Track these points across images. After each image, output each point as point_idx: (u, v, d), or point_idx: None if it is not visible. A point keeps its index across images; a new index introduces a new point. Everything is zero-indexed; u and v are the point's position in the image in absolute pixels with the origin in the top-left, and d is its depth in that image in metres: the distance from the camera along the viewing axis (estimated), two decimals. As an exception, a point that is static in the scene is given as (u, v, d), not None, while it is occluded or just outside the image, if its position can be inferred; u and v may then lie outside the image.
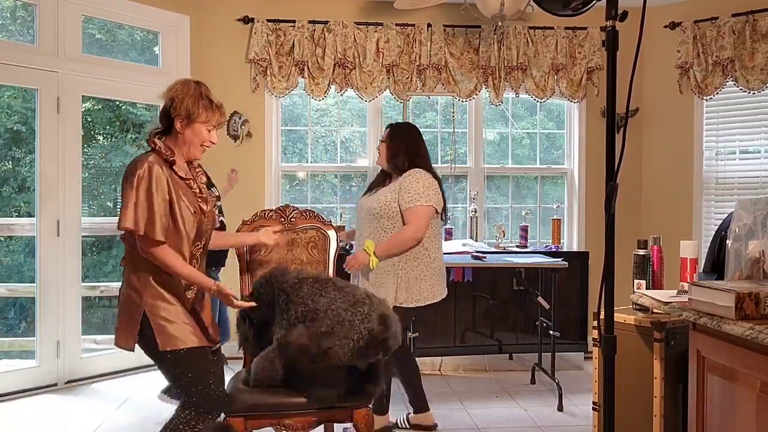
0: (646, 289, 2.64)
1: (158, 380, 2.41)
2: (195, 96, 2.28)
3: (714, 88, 4.77)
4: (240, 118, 4.86)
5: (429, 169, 3.25)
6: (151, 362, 2.37)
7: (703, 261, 2.81)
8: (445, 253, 3.52)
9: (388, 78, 4.89)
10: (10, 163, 5.62)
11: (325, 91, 4.83)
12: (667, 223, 4.88)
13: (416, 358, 3.55)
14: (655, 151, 5.14)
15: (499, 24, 4.36)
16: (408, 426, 3.47)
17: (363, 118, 5.30)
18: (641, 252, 2.69)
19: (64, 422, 3.61)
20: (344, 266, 3.12)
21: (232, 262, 3.08)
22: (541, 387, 4.30)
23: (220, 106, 2.35)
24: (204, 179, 2.48)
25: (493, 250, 4.60)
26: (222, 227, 3.03)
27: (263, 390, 2.35)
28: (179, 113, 2.27)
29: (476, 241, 4.80)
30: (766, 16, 4.55)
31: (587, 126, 5.18)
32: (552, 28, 4.96)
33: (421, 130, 3.41)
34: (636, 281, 2.69)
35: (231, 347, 4.12)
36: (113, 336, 2.36)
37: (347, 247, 4.42)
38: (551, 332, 4.02)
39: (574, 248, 5.14)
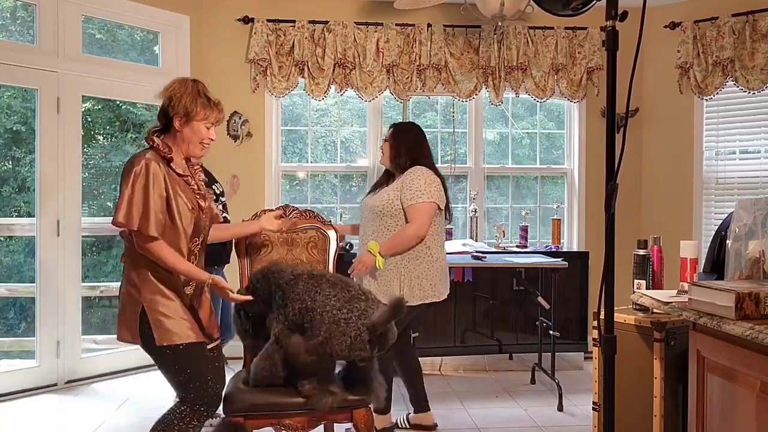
0: (646, 289, 2.65)
1: (158, 380, 2.41)
2: (193, 94, 2.29)
3: (714, 88, 4.77)
4: (240, 118, 4.86)
5: (432, 167, 3.25)
6: (151, 362, 2.37)
7: (703, 261, 2.81)
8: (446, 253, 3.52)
9: (388, 78, 4.89)
10: (10, 163, 5.62)
11: (325, 91, 4.84)
12: (667, 223, 4.88)
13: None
14: (655, 151, 5.14)
15: (499, 24, 4.36)
16: (408, 426, 3.48)
17: (363, 118, 5.30)
18: (641, 252, 2.69)
19: (64, 422, 3.61)
20: (349, 271, 3.11)
21: (234, 259, 3.08)
22: (541, 387, 4.30)
23: (218, 103, 2.37)
24: (202, 176, 2.48)
25: (493, 250, 4.60)
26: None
27: (263, 390, 2.35)
28: (177, 111, 2.28)
29: (476, 241, 4.80)
30: (766, 16, 4.55)
31: (587, 126, 5.18)
32: (552, 28, 4.96)
33: (422, 129, 3.41)
34: (636, 281, 2.69)
35: (231, 347, 4.12)
36: (113, 336, 2.36)
37: (347, 246, 4.42)
38: (551, 332, 4.02)
39: (574, 248, 5.14)
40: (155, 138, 2.30)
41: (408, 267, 3.15)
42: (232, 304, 2.53)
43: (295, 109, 5.41)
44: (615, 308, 1.95)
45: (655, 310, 2.52)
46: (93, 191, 5.60)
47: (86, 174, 5.19)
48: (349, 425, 2.58)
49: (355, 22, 4.84)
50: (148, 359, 2.36)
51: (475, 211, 4.92)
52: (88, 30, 4.65)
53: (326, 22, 4.80)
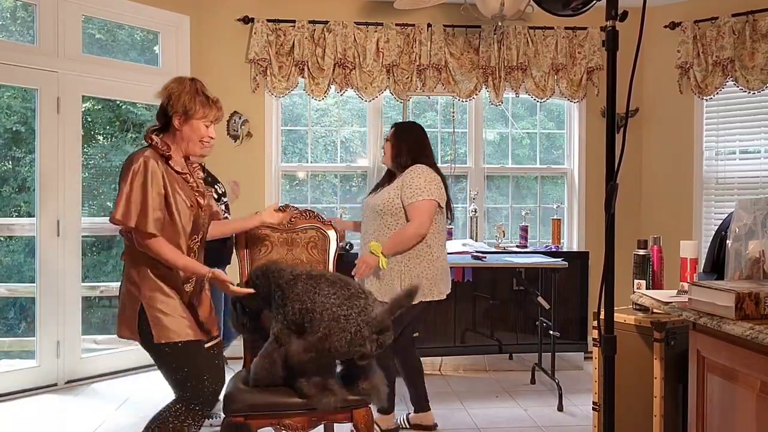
0: (646, 289, 2.64)
1: (158, 380, 2.42)
2: (191, 92, 2.30)
3: (714, 88, 4.77)
4: (240, 118, 4.86)
5: (433, 166, 3.26)
6: (152, 362, 2.38)
7: (703, 261, 2.81)
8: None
9: (388, 78, 4.89)
10: (10, 163, 5.62)
11: (325, 91, 4.84)
12: (667, 223, 4.88)
13: (416, 358, 3.55)
14: (655, 151, 5.14)
15: (499, 24, 4.36)
16: (408, 425, 3.48)
17: (363, 118, 5.30)
18: (641, 252, 2.69)
19: (64, 422, 3.61)
20: (353, 273, 3.11)
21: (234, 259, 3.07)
22: (541, 387, 4.30)
23: (217, 101, 2.38)
24: (201, 174, 2.49)
25: (493, 250, 4.60)
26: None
27: (263, 390, 2.35)
28: (177, 110, 2.29)
29: (476, 241, 4.80)
30: (766, 16, 4.55)
31: (587, 126, 5.18)
32: (552, 28, 4.96)
33: (423, 129, 3.42)
34: (636, 281, 2.69)
35: (231, 347, 4.12)
36: (113, 336, 2.37)
37: (347, 246, 4.42)
38: (551, 332, 4.02)
39: (574, 248, 5.14)
40: (153, 136, 2.31)
41: (408, 266, 3.15)
42: (229, 300, 2.53)
43: (295, 109, 5.40)
44: (615, 308, 1.95)
45: (655, 310, 2.52)
46: (93, 191, 5.59)
47: (86, 174, 5.19)
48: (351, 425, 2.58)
49: (355, 22, 4.84)
50: (148, 359, 2.36)
51: (475, 211, 4.92)
52: (88, 30, 4.65)
53: (326, 22, 4.80)
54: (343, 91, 4.89)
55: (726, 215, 2.73)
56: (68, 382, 4.21)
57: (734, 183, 4.87)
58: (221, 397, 2.41)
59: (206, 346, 2.42)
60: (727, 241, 2.24)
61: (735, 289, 1.79)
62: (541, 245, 5.10)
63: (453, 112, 5.12)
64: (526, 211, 5.10)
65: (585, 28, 4.98)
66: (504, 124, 5.50)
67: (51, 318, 4.14)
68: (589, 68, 5.02)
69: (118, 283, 2.44)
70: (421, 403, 3.45)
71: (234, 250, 2.88)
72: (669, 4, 4.92)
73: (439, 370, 4.69)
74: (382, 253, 3.07)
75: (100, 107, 5.77)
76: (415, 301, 3.13)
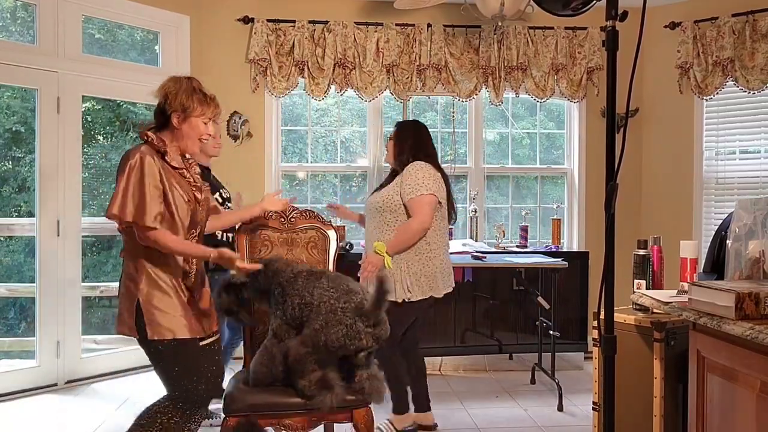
0: (646, 289, 2.64)
1: (158, 380, 2.42)
2: (188, 91, 2.32)
3: (714, 88, 4.77)
4: (240, 118, 4.86)
5: (435, 164, 3.26)
6: (151, 362, 2.38)
7: (703, 261, 2.81)
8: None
9: (388, 78, 4.89)
10: (10, 163, 5.62)
11: (325, 91, 4.84)
12: (667, 223, 4.88)
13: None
14: (655, 151, 5.14)
15: (499, 24, 4.36)
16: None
17: (363, 118, 5.30)
18: (641, 252, 2.69)
19: (64, 422, 3.61)
20: (359, 274, 3.11)
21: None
22: (541, 387, 4.30)
23: (214, 98, 2.39)
24: (198, 170, 2.49)
25: (493, 250, 4.60)
26: (230, 228, 3.08)
27: (263, 390, 2.35)
28: (175, 109, 2.30)
29: (476, 241, 4.80)
30: (766, 16, 4.55)
31: (587, 126, 5.18)
32: (552, 28, 4.96)
33: (424, 129, 3.42)
34: (636, 281, 2.69)
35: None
36: (113, 336, 2.38)
37: (347, 246, 4.42)
38: (551, 332, 4.02)
39: (574, 248, 5.14)
40: (149, 133, 2.32)
41: (408, 263, 3.16)
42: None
43: (295, 109, 5.41)
44: (615, 308, 1.95)
45: (655, 310, 2.52)
46: (93, 191, 5.60)
47: (86, 174, 5.19)
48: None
49: (355, 22, 4.84)
50: (148, 359, 2.36)
51: (475, 211, 4.92)
52: (88, 30, 4.65)
53: (326, 22, 4.80)
54: (343, 91, 4.89)
55: (726, 215, 2.73)
56: (68, 382, 4.21)
57: (734, 183, 4.87)
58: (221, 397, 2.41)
59: (206, 342, 2.43)
60: (727, 241, 2.24)
61: (735, 289, 1.79)
62: (541, 245, 5.10)
63: (453, 112, 5.12)
64: (526, 211, 5.10)
65: (585, 28, 4.98)
66: (504, 124, 5.50)
67: (51, 318, 4.14)
68: (589, 68, 5.02)
69: (118, 283, 2.44)
70: (421, 402, 3.44)
71: (235, 249, 2.88)
72: (669, 4, 4.92)
73: (439, 370, 4.69)
74: (386, 252, 3.08)
75: (100, 107, 5.77)
76: (415, 299, 3.15)
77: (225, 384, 2.52)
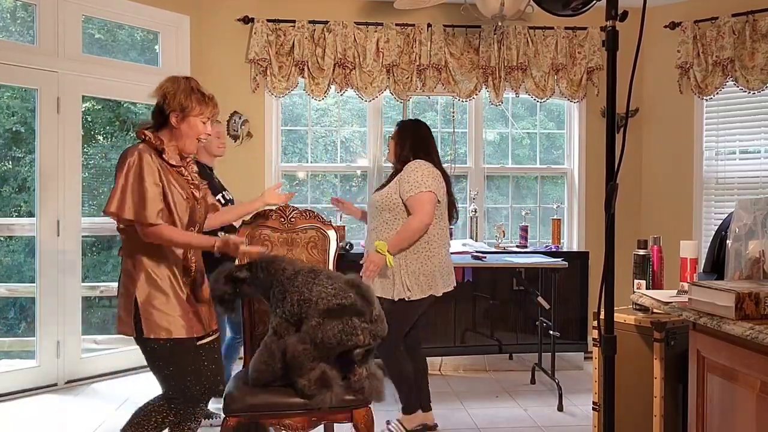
0: (646, 289, 2.65)
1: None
2: (186, 90, 2.33)
3: (714, 88, 4.77)
4: (240, 118, 4.86)
5: (435, 163, 3.26)
6: (152, 362, 2.38)
7: (703, 261, 2.81)
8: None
9: (388, 78, 4.89)
10: (10, 163, 5.62)
11: (325, 91, 4.84)
12: (667, 223, 4.88)
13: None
14: (655, 151, 5.14)
15: (499, 24, 4.36)
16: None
17: (363, 118, 5.30)
18: (641, 252, 2.69)
19: (64, 422, 3.61)
20: (361, 273, 3.11)
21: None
22: (541, 387, 4.30)
23: (212, 97, 2.40)
24: (195, 168, 2.50)
25: (493, 250, 4.60)
26: (231, 229, 3.08)
27: (263, 390, 2.35)
28: (173, 108, 2.31)
29: (476, 241, 4.80)
30: (766, 16, 4.55)
31: (587, 126, 5.18)
32: (552, 28, 4.96)
33: (424, 129, 3.42)
34: (636, 281, 2.69)
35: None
36: (113, 336, 2.39)
37: (347, 246, 4.42)
38: (551, 332, 4.02)
39: (574, 248, 5.14)
40: (146, 132, 2.33)
41: (406, 262, 3.16)
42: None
43: (295, 109, 5.40)
44: (615, 308, 1.95)
45: (655, 310, 2.52)
46: (93, 191, 5.60)
47: (86, 174, 5.19)
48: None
49: (355, 22, 4.84)
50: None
51: (475, 211, 4.92)
52: (88, 30, 4.65)
53: (326, 22, 4.80)
54: (343, 91, 4.89)
55: (726, 215, 2.73)
56: (68, 382, 4.21)
57: (734, 183, 4.87)
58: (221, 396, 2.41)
59: (205, 340, 2.43)
60: (727, 241, 2.24)
61: (735, 289, 1.79)
62: (541, 245, 5.10)
63: (453, 112, 5.12)
64: (526, 211, 5.10)
65: (585, 28, 4.98)
66: (504, 124, 5.50)
67: (51, 318, 4.14)
68: (589, 68, 5.02)
69: (117, 282, 2.45)
70: (423, 403, 3.44)
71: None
72: (669, 4, 4.92)
73: (439, 370, 4.69)
74: (388, 251, 3.08)
75: (100, 107, 5.77)
76: (414, 298, 3.15)
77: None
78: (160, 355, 2.28)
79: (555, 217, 4.96)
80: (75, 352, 4.27)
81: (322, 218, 2.89)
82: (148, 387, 4.12)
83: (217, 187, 3.51)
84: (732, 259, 2.17)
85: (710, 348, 1.99)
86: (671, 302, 2.16)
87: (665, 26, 4.94)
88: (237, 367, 3.22)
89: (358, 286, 2.27)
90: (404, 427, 3.31)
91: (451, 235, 4.79)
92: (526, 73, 4.98)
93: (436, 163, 3.30)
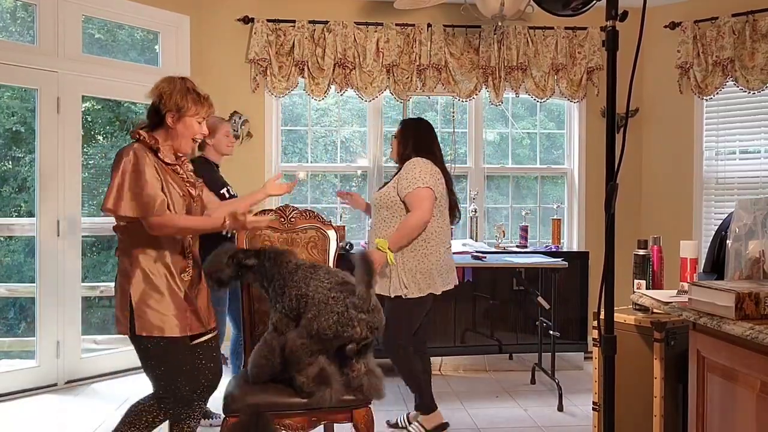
0: (646, 289, 2.64)
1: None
2: (182, 91, 2.33)
3: (714, 88, 4.77)
4: (240, 118, 4.86)
5: (436, 161, 3.26)
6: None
7: (703, 261, 2.81)
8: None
9: (388, 78, 4.89)
10: (10, 163, 5.62)
11: (325, 91, 4.84)
12: (667, 223, 4.88)
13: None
14: (655, 151, 5.14)
15: (499, 24, 4.36)
16: (407, 425, 3.47)
17: (363, 118, 5.30)
18: (641, 252, 2.69)
19: (64, 422, 3.61)
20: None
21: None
22: (541, 387, 4.30)
23: (208, 97, 2.41)
24: (190, 167, 2.50)
25: (493, 250, 4.60)
26: None
27: (263, 390, 2.35)
28: (169, 108, 2.32)
29: (476, 241, 4.80)
30: (766, 16, 4.55)
31: (587, 126, 5.18)
32: (552, 28, 4.96)
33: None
34: (636, 281, 2.69)
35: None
36: (113, 336, 2.40)
37: (347, 246, 4.42)
38: (551, 332, 4.02)
39: (574, 248, 5.14)
40: (141, 131, 2.34)
41: (404, 259, 3.17)
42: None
43: (295, 109, 5.41)
44: (615, 308, 1.95)
45: (655, 310, 2.52)
46: (93, 191, 5.60)
47: (86, 174, 5.19)
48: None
49: (355, 22, 4.84)
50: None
51: (475, 211, 4.92)
52: (88, 30, 4.65)
53: (326, 22, 4.80)
54: (343, 91, 4.89)
55: (726, 215, 2.73)
56: (68, 382, 4.21)
57: (734, 183, 4.87)
58: (221, 396, 2.41)
59: (203, 339, 2.43)
60: (727, 241, 2.24)
61: (735, 289, 1.79)
62: (541, 245, 5.10)
63: (453, 112, 5.12)
64: (526, 211, 5.11)
65: (585, 28, 4.98)
66: (504, 124, 5.50)
67: (51, 318, 4.14)
68: (589, 68, 5.02)
69: (114, 282, 2.45)
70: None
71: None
72: (669, 4, 4.92)
73: (439, 370, 4.69)
74: (388, 248, 3.08)
75: (100, 107, 5.77)
76: (413, 296, 3.15)
77: (225, 384, 2.52)
78: (153, 354, 2.29)
79: (555, 217, 4.96)
80: (75, 352, 4.27)
81: (322, 218, 2.89)
82: (148, 387, 4.14)
83: (221, 182, 3.53)
84: (732, 259, 2.17)
85: (710, 348, 1.99)
86: (671, 302, 2.16)
87: (665, 26, 4.94)
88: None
89: (365, 260, 2.26)
90: (424, 427, 3.31)
91: (450, 235, 4.81)
92: (526, 73, 4.98)
93: (439, 161, 3.30)
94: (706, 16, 4.77)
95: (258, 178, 4.89)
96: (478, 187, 5.13)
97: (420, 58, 4.88)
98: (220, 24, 4.86)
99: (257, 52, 4.77)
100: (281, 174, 2.78)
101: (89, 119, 5.73)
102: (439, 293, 3.25)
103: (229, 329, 3.74)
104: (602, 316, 1.97)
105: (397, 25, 4.87)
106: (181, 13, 4.75)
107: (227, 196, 3.43)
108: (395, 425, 3.50)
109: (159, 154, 2.32)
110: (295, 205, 2.91)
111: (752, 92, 4.65)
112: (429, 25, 4.88)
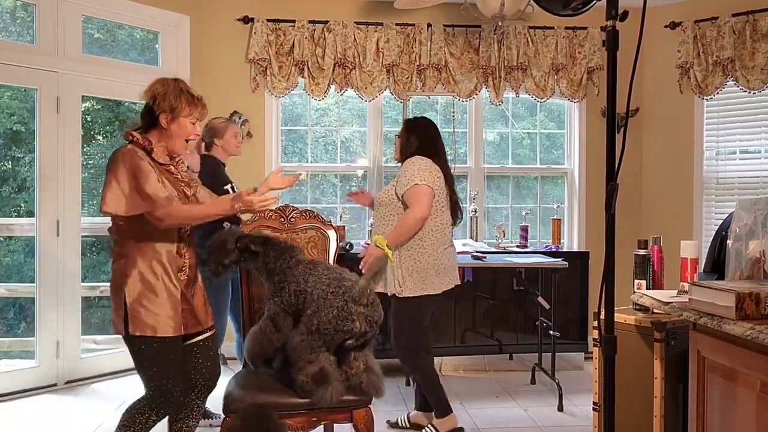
0: (647, 289, 2.64)
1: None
2: (176, 91, 2.34)
3: (714, 88, 4.77)
4: (240, 118, 4.86)
5: (438, 160, 3.25)
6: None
7: (704, 261, 2.81)
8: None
9: (388, 78, 4.89)
10: (10, 163, 5.62)
11: (325, 91, 4.83)
12: (668, 223, 4.88)
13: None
14: (655, 151, 5.14)
15: (499, 24, 4.36)
16: (408, 424, 3.47)
17: (363, 118, 5.30)
18: (641, 252, 2.68)
19: (64, 422, 3.61)
20: (360, 266, 3.11)
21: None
22: (541, 387, 4.30)
23: (201, 98, 2.42)
24: (185, 167, 2.50)
25: (493, 250, 4.60)
26: (236, 220, 3.10)
27: (263, 390, 2.35)
28: (163, 109, 2.32)
29: (476, 241, 4.80)
30: (766, 16, 4.55)
31: (587, 126, 5.18)
32: (552, 28, 4.96)
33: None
34: (636, 281, 2.69)
35: (231, 347, 4.12)
36: (113, 336, 2.40)
37: (347, 246, 4.42)
38: (551, 332, 4.01)
39: (575, 248, 5.14)
40: (134, 133, 2.35)
41: (401, 257, 3.17)
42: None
43: (295, 109, 5.40)
44: (615, 308, 1.95)
45: (655, 310, 2.52)
46: (93, 191, 5.59)
47: (86, 174, 5.19)
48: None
49: (355, 22, 4.84)
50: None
51: (475, 211, 4.92)
52: (87, 30, 4.65)
53: (326, 22, 4.80)
54: (343, 91, 4.89)
55: (726, 215, 2.73)
56: (68, 382, 4.21)
57: (734, 183, 4.87)
58: (221, 396, 2.41)
59: (200, 337, 2.44)
60: (728, 241, 2.24)
61: (735, 289, 1.78)
62: (541, 245, 5.10)
63: (453, 112, 5.12)
64: (526, 211, 5.10)
65: (585, 28, 4.97)
66: (504, 124, 5.50)
67: (51, 318, 4.14)
68: (589, 68, 5.02)
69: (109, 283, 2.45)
70: (426, 402, 3.44)
71: None
72: (669, 4, 4.92)
73: (439, 370, 4.67)
74: (387, 245, 3.08)
75: (99, 107, 5.77)
76: (410, 295, 3.14)
77: (224, 384, 2.52)
78: (147, 354, 2.29)
79: (555, 217, 4.96)
80: (75, 352, 4.27)
81: (322, 218, 2.89)
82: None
83: (227, 179, 3.62)
84: (732, 259, 2.17)
85: (710, 348, 1.99)
86: (671, 302, 2.16)
87: (665, 26, 4.94)
88: (235, 368, 3.21)
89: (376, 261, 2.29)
90: (438, 431, 3.30)
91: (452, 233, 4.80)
92: (526, 73, 4.98)
93: (443, 160, 3.30)
94: (706, 15, 4.77)
95: (258, 178, 4.85)
96: (478, 187, 5.12)
97: (420, 58, 4.88)
98: (220, 24, 4.86)
99: (257, 52, 4.77)
100: (282, 168, 2.77)
101: (89, 119, 5.72)
102: (439, 293, 3.24)
103: (230, 329, 3.74)
104: (602, 316, 1.97)
105: (397, 24, 4.86)
106: (181, 13, 4.75)
107: (231, 193, 3.44)
108: (395, 425, 3.50)
109: (152, 155, 2.33)
110: (295, 205, 2.91)
111: (752, 92, 4.65)
112: (429, 25, 4.88)
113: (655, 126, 5.13)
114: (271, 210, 2.84)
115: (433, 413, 3.37)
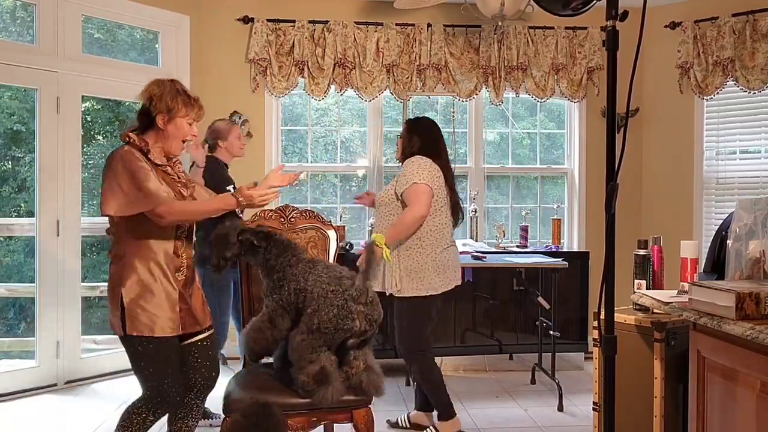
0: (647, 289, 2.64)
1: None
2: (172, 92, 2.35)
3: (714, 88, 4.77)
4: (240, 118, 4.86)
5: (439, 160, 3.25)
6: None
7: (704, 261, 2.81)
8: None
9: (388, 78, 4.89)
10: (10, 163, 5.62)
11: (325, 91, 4.84)
12: (668, 223, 4.88)
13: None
14: (655, 151, 5.14)
15: (499, 24, 4.36)
16: (408, 424, 3.47)
17: (363, 118, 5.30)
18: (641, 252, 2.68)
19: (64, 422, 3.61)
20: (358, 263, 3.11)
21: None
22: (541, 387, 4.30)
23: (197, 99, 2.42)
24: (182, 168, 2.50)
25: (493, 250, 4.60)
26: (235, 217, 3.11)
27: (263, 390, 2.35)
28: (160, 110, 2.33)
29: (476, 241, 4.80)
30: (766, 16, 4.55)
31: (587, 126, 5.18)
32: (552, 28, 4.96)
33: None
34: (636, 281, 2.69)
35: (232, 347, 4.13)
36: (113, 336, 2.40)
37: (347, 246, 4.42)
38: (551, 332, 4.01)
39: (575, 248, 5.14)
40: (130, 134, 2.36)
41: (399, 256, 3.17)
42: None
43: (295, 109, 5.40)
44: (615, 308, 1.95)
45: (655, 310, 2.52)
46: (93, 191, 5.59)
47: (86, 174, 5.19)
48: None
49: (355, 22, 4.84)
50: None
51: (475, 211, 4.92)
52: (87, 30, 4.65)
53: (326, 22, 4.80)
54: (343, 91, 4.89)
55: (726, 215, 2.73)
56: (68, 382, 4.21)
57: (734, 183, 4.87)
58: (221, 396, 2.41)
59: (199, 337, 2.44)
60: (728, 241, 2.24)
61: (735, 289, 1.78)
62: (541, 245, 5.10)
63: (453, 112, 5.12)
64: (526, 211, 5.10)
65: (585, 28, 4.97)
66: (504, 124, 5.50)
67: (51, 318, 4.14)
68: (589, 68, 5.02)
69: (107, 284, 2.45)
70: (427, 402, 3.44)
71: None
72: (669, 4, 4.92)
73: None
74: (385, 244, 3.07)
75: (99, 107, 5.77)
76: (409, 295, 3.14)
77: (224, 384, 2.52)
78: (143, 354, 2.29)
79: (555, 217, 4.96)
80: (75, 352, 4.27)
81: (322, 218, 2.89)
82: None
83: (230, 180, 3.64)
84: (732, 259, 2.17)
85: (710, 348, 1.99)
86: (671, 302, 2.16)
87: (665, 26, 4.94)
88: (235, 368, 3.21)
89: (369, 249, 2.30)
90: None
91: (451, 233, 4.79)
92: (526, 73, 4.98)
93: (444, 160, 3.29)
94: (706, 15, 4.77)
95: (258, 178, 4.87)
96: (478, 187, 5.12)
97: (420, 58, 4.88)
98: (220, 24, 4.86)
99: (257, 52, 4.77)
100: (283, 165, 2.77)
101: (89, 119, 5.72)
102: (439, 293, 3.23)
103: (231, 330, 3.74)
104: (602, 316, 1.97)
105: (397, 24, 4.86)
106: (181, 13, 4.75)
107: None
108: (395, 425, 3.50)
109: (149, 156, 2.33)
110: (295, 205, 2.91)
111: (752, 92, 4.65)
112: (429, 25, 4.88)
113: (655, 126, 5.13)
114: (271, 210, 2.84)
115: (433, 413, 3.37)
